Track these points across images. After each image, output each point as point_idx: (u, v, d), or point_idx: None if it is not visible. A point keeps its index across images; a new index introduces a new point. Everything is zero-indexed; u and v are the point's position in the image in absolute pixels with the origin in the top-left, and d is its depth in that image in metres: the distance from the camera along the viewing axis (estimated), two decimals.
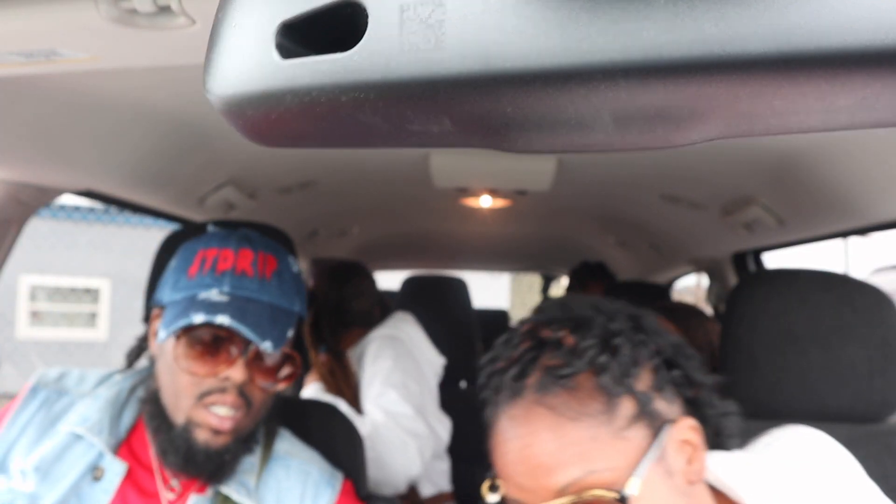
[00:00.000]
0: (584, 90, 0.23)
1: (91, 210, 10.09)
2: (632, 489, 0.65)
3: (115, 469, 0.95)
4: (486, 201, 1.95)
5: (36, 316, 10.40)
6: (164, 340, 0.94)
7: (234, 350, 0.94)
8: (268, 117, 0.27)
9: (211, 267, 0.97)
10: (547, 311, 0.77)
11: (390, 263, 3.73)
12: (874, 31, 0.20)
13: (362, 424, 1.63)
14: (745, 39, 0.21)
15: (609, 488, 0.65)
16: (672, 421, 0.70)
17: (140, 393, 1.04)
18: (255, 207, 1.74)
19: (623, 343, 0.70)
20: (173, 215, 1.64)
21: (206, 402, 0.93)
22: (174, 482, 0.98)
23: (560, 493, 0.66)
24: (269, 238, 1.05)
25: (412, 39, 0.24)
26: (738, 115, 0.24)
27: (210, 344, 0.93)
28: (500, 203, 1.98)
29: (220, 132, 1.24)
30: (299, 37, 0.26)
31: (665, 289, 2.81)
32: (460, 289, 2.62)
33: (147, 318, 1.07)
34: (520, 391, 0.70)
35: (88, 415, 0.98)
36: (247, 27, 0.26)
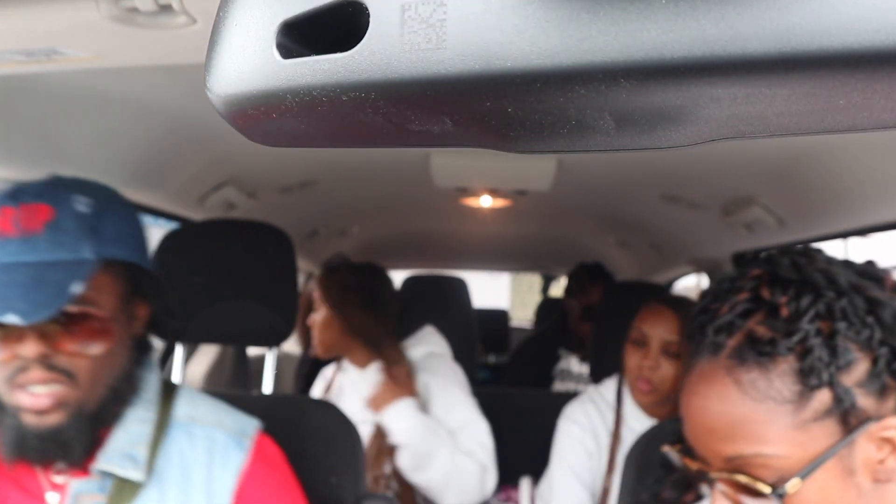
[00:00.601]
0: (585, 90, 0.23)
1: None
2: (791, 488, 0.62)
3: None
4: (486, 201, 1.96)
5: None
6: None
7: (21, 328, 0.82)
8: (268, 117, 0.27)
9: None
10: (778, 263, 0.70)
11: (390, 263, 3.73)
12: (875, 32, 0.20)
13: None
14: (746, 40, 0.21)
15: (776, 478, 0.64)
16: (878, 418, 0.64)
17: None
18: (255, 207, 1.74)
19: (844, 328, 0.63)
20: (173, 214, 1.64)
21: (17, 383, 0.83)
22: (58, 478, 0.90)
23: (726, 461, 0.66)
24: (47, 183, 0.89)
25: (413, 39, 0.24)
26: (739, 115, 0.24)
27: None
28: (500, 203, 1.98)
29: (221, 132, 1.24)
30: (300, 36, 0.26)
31: (665, 289, 2.80)
32: (460, 289, 2.62)
33: None
34: (717, 350, 0.68)
35: None
36: (247, 26, 0.26)
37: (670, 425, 1.20)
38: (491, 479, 1.65)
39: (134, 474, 0.88)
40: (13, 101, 0.89)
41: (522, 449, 1.94)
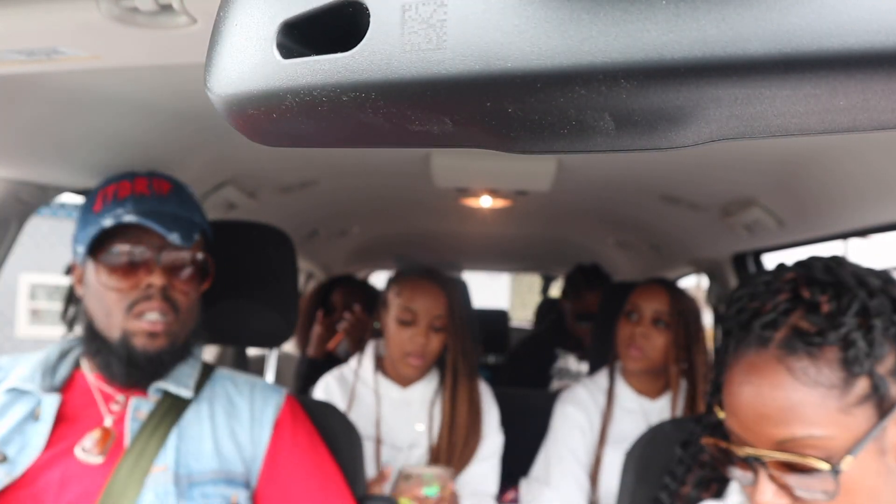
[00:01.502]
0: (586, 91, 0.23)
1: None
2: (846, 465, 0.69)
3: (50, 402, 1.03)
4: (486, 201, 1.96)
5: (36, 314, 10.40)
6: (91, 265, 1.05)
7: (150, 259, 1.04)
8: (268, 117, 0.27)
9: (112, 198, 1.07)
10: (812, 267, 0.78)
11: (390, 263, 3.73)
12: (875, 33, 0.20)
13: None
14: (746, 41, 0.21)
15: (825, 458, 0.70)
16: None
17: (71, 358, 1.12)
18: (255, 207, 1.74)
19: (878, 324, 0.71)
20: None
21: (136, 311, 1.03)
22: (115, 405, 1.07)
23: (778, 445, 0.72)
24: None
25: (414, 39, 0.24)
26: (740, 116, 0.24)
27: (127, 259, 1.04)
28: (500, 203, 1.98)
29: (221, 131, 1.24)
30: (300, 36, 0.26)
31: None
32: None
33: (69, 272, 1.15)
34: (765, 342, 0.75)
35: (22, 373, 1.06)
36: (248, 26, 0.26)
37: (669, 426, 1.20)
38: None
39: (185, 392, 1.09)
40: (13, 101, 0.89)
41: (522, 448, 1.94)
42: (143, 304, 1.03)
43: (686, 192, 1.67)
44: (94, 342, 1.06)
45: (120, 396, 1.07)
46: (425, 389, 1.66)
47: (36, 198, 1.20)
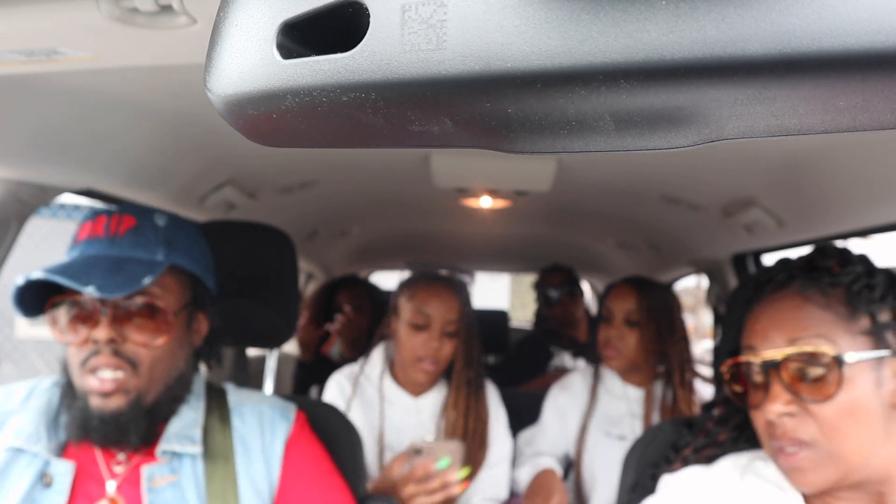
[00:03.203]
0: (586, 91, 0.23)
1: (91, 209, 10.07)
2: (849, 358, 0.83)
3: (63, 470, 0.96)
4: (486, 202, 1.95)
5: None
6: (31, 318, 0.99)
7: (94, 311, 0.96)
8: (268, 117, 0.27)
9: (73, 241, 1.02)
10: (826, 248, 0.95)
11: (390, 263, 3.73)
12: (875, 33, 0.20)
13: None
14: (746, 41, 0.21)
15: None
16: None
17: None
18: (255, 207, 1.74)
19: (878, 283, 0.88)
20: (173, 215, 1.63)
21: (88, 367, 0.96)
22: (118, 467, 1.00)
23: (791, 342, 0.86)
24: (137, 205, 1.10)
25: (414, 39, 0.24)
26: (740, 116, 0.24)
27: (77, 312, 0.97)
28: (500, 204, 1.98)
29: (221, 132, 1.24)
30: (300, 36, 0.26)
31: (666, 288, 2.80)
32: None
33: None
34: (785, 284, 0.92)
35: (23, 427, 0.98)
36: (248, 27, 0.26)
37: (669, 426, 1.20)
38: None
39: (192, 449, 1.02)
40: (13, 101, 0.89)
41: None
42: (93, 359, 0.95)
43: (686, 192, 1.67)
44: (66, 396, 1.00)
45: (121, 455, 1.01)
46: (436, 399, 1.64)
47: (36, 198, 1.20)
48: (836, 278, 0.88)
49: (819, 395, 0.83)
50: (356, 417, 1.60)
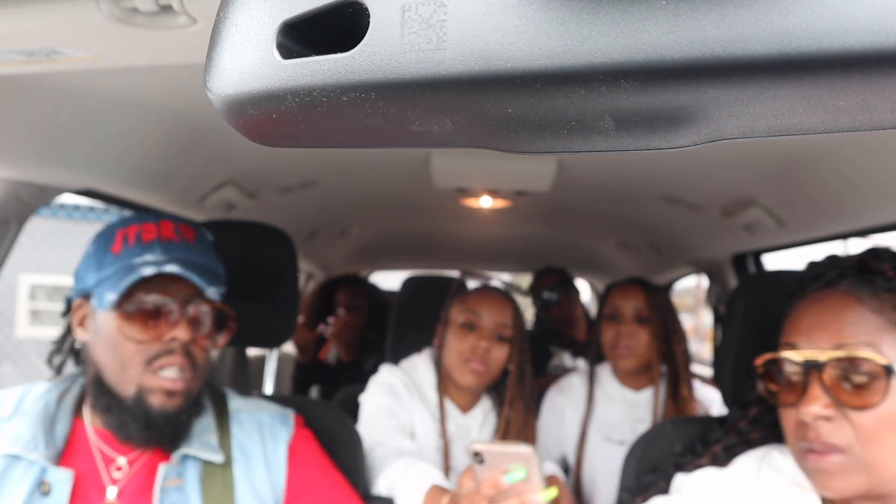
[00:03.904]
0: (585, 91, 0.23)
1: (91, 209, 10.08)
2: None
3: (62, 478, 0.94)
4: (486, 202, 1.95)
5: (36, 315, 10.40)
6: (106, 311, 0.96)
7: (174, 311, 0.97)
8: (268, 117, 0.27)
9: (136, 240, 0.99)
10: (879, 251, 0.93)
11: (390, 263, 3.73)
12: (875, 33, 0.20)
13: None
14: (746, 41, 0.21)
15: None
16: None
17: (70, 401, 1.02)
18: (255, 207, 1.74)
19: None
20: (173, 215, 1.64)
21: (154, 366, 0.96)
22: (117, 472, 0.99)
23: (837, 345, 0.83)
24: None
25: (414, 39, 0.24)
26: (740, 116, 0.24)
27: (150, 309, 0.96)
28: (500, 203, 1.98)
29: (221, 132, 1.24)
30: (300, 36, 0.26)
31: (665, 290, 2.81)
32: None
33: (66, 313, 1.06)
34: (834, 283, 0.89)
35: (20, 433, 0.96)
36: (248, 27, 0.26)
37: (670, 425, 1.20)
38: None
39: (215, 457, 1.02)
40: (13, 101, 0.89)
41: None
42: (163, 358, 0.96)
43: (686, 192, 1.67)
44: (104, 397, 0.98)
45: (121, 459, 0.99)
46: (485, 417, 1.55)
47: (36, 198, 1.20)
48: (890, 282, 0.85)
49: (861, 402, 0.80)
50: (419, 430, 1.49)
